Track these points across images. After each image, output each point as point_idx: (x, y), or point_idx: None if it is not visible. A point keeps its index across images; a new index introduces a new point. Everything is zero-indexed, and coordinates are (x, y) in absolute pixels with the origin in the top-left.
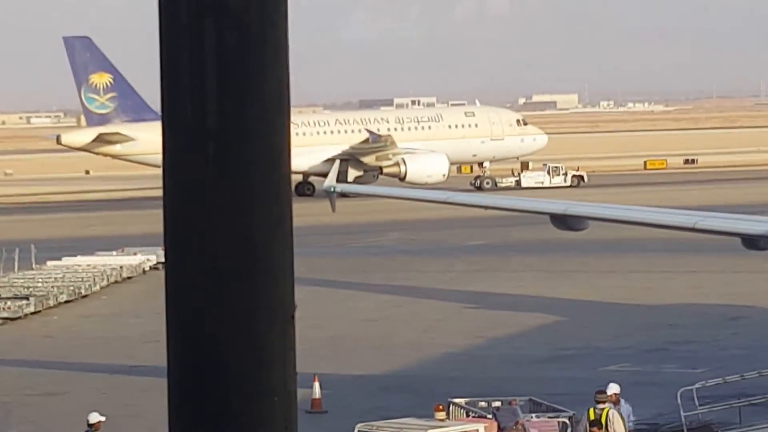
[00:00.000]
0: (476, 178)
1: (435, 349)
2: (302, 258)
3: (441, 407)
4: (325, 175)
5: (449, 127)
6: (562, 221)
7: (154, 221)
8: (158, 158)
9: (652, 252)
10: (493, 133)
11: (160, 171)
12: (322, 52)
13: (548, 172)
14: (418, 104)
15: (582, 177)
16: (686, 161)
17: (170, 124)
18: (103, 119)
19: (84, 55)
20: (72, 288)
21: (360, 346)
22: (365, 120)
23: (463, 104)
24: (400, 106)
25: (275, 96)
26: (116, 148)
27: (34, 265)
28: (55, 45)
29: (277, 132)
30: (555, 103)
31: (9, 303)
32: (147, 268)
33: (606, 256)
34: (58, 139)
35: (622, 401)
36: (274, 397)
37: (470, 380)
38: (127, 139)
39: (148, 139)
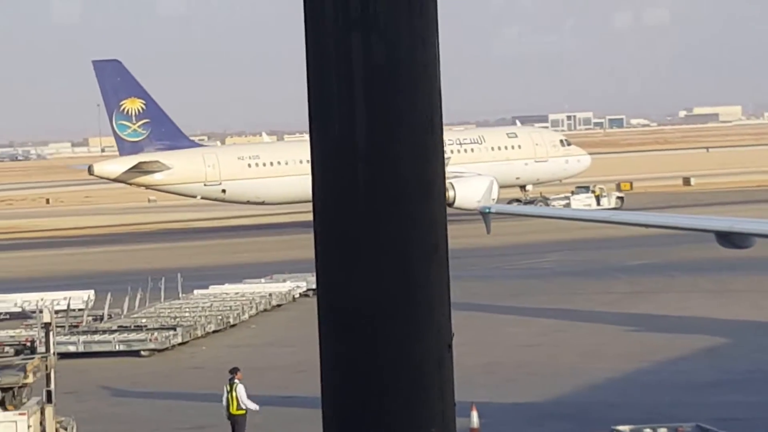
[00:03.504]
0: (513, 201)
1: (596, 375)
2: (457, 282)
3: None
4: None
5: (492, 149)
6: (728, 239)
7: (303, 246)
8: (194, 188)
9: None
10: (537, 155)
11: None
12: (475, 67)
13: (595, 194)
14: (574, 119)
15: (623, 198)
16: None
17: (318, 146)
18: (135, 147)
19: (114, 79)
20: (220, 317)
21: (518, 373)
22: None
23: (621, 118)
24: (555, 121)
25: (427, 115)
26: (155, 178)
27: (180, 294)
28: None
29: (429, 153)
30: (717, 115)
31: (156, 334)
32: (297, 295)
33: None
34: (90, 170)
35: None
36: (432, 428)
37: (634, 406)
38: (166, 167)
39: (184, 167)
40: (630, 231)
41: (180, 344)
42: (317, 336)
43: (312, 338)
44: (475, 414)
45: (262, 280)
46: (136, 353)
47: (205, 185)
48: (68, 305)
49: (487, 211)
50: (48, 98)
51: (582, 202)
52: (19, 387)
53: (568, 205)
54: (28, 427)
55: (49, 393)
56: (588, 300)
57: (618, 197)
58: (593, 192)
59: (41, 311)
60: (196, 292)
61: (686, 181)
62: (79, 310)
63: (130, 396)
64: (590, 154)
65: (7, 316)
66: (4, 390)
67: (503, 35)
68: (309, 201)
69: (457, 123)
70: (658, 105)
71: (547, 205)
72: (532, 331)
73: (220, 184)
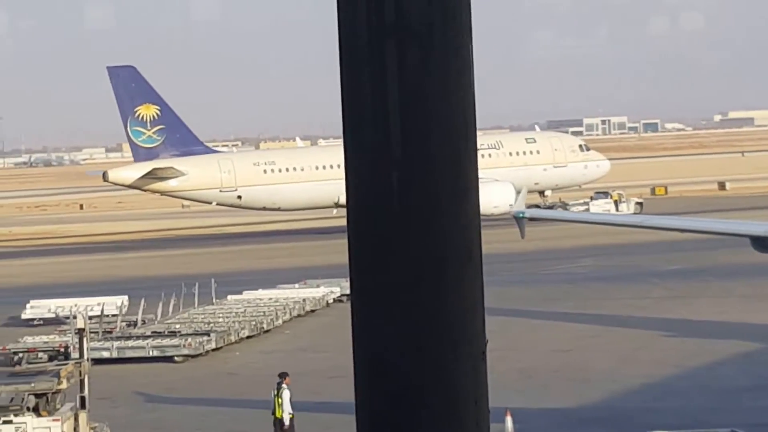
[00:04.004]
0: (532, 207)
1: (632, 380)
2: (491, 287)
3: None
4: None
5: (510, 154)
6: (764, 243)
7: (337, 252)
8: (210, 194)
9: None
10: (555, 160)
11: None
12: (507, 71)
13: (613, 199)
14: (608, 124)
15: (642, 203)
16: None
17: (352, 152)
18: (150, 153)
19: (129, 85)
20: (254, 323)
21: (553, 378)
22: None
23: (656, 122)
24: (589, 126)
25: (460, 121)
26: (170, 184)
27: (214, 300)
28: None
29: (463, 159)
30: (753, 119)
31: (190, 339)
32: (331, 301)
33: None
34: (104, 176)
35: None
36: None
37: (670, 411)
38: (180, 173)
39: (199, 173)
40: (663, 236)
41: (214, 350)
42: (350, 341)
43: (346, 344)
44: (509, 419)
45: (296, 286)
46: (169, 359)
47: (220, 191)
48: (102, 311)
49: (521, 216)
50: (82, 103)
51: (601, 208)
52: (53, 393)
53: (587, 211)
54: None
55: (82, 399)
56: (623, 305)
57: (637, 203)
58: (612, 197)
59: (75, 317)
60: (229, 297)
61: (722, 186)
62: (113, 315)
63: (163, 402)
64: (625, 158)
65: (41, 322)
66: (38, 396)
67: (536, 39)
68: (325, 207)
69: (489, 127)
70: (693, 109)
71: (566, 210)
72: (567, 337)
73: (236, 190)
